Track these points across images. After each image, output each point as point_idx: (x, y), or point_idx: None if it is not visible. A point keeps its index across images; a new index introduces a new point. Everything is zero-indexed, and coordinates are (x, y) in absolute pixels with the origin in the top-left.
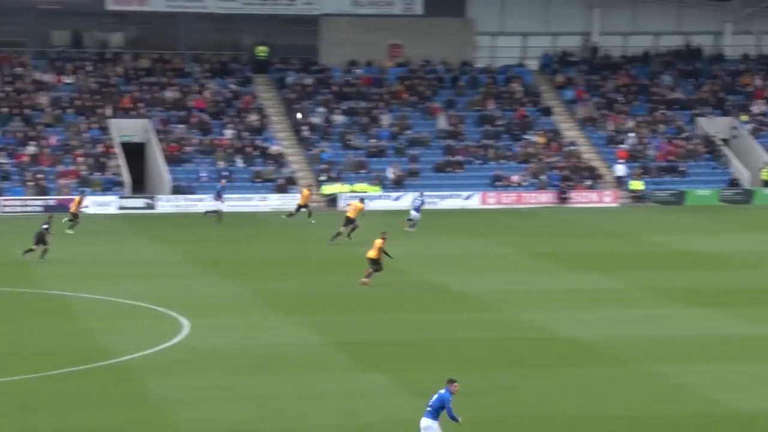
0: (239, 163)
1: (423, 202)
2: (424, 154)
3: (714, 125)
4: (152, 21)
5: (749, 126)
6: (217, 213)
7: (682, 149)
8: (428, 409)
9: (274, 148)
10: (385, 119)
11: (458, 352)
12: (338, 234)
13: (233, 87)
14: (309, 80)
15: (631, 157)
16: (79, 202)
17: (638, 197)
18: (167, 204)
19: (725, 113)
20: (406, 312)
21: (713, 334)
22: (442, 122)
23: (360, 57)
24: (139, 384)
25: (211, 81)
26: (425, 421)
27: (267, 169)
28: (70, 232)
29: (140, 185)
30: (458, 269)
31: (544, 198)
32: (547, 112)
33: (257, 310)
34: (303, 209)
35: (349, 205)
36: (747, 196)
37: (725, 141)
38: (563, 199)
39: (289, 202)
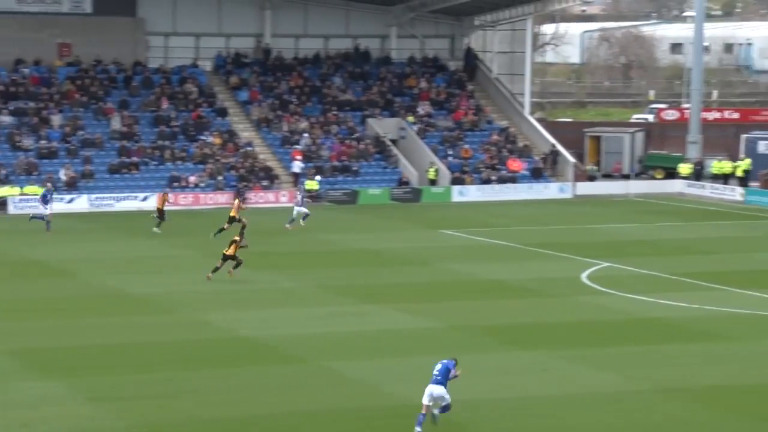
0: None
1: (303, 196)
2: (97, 155)
3: (383, 126)
4: None
5: (416, 127)
6: (40, 218)
7: (354, 149)
8: (437, 377)
9: None
10: (56, 120)
11: (137, 356)
12: (221, 230)
13: None
14: None
15: (306, 158)
16: None
17: (313, 197)
18: None
19: (393, 114)
20: (82, 317)
21: (386, 329)
22: (116, 123)
23: (27, 56)
24: None
25: None
26: (439, 389)
27: None
28: None
29: None
30: (136, 272)
31: (222, 199)
32: (222, 113)
33: None
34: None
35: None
36: (415, 194)
37: (394, 141)
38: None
39: None
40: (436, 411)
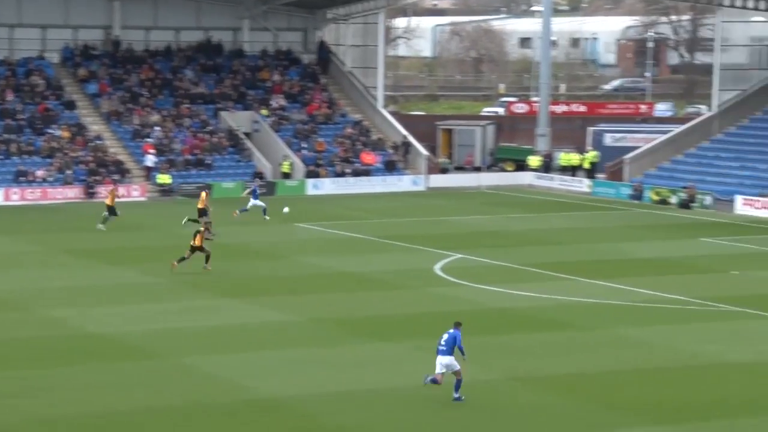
0: None
1: (256, 189)
2: None
3: (236, 119)
4: None
5: (270, 120)
6: None
7: (207, 143)
8: (443, 348)
9: None
10: None
11: None
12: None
13: None
14: None
15: (158, 151)
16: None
17: (166, 191)
18: None
19: (247, 107)
20: None
21: (243, 323)
22: None
23: None
24: None
25: None
26: (446, 359)
27: None
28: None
29: None
30: None
31: (71, 193)
32: (70, 105)
33: None
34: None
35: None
36: (270, 188)
37: (248, 135)
38: (91, 194)
39: None
40: (455, 395)
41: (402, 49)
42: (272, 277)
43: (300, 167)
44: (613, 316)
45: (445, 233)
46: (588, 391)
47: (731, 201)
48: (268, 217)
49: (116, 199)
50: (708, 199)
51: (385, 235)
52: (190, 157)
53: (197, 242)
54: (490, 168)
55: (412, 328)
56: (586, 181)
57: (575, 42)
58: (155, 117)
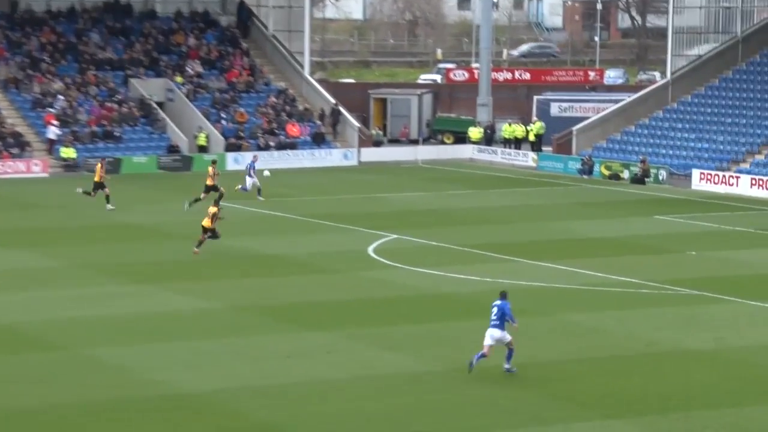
0: None
1: (252, 166)
2: None
3: (148, 87)
4: None
5: (185, 88)
6: None
7: (116, 113)
8: (495, 321)
9: None
10: None
11: None
12: (196, 200)
13: None
14: None
15: (61, 123)
16: None
17: (70, 166)
18: None
19: (159, 74)
20: None
21: (157, 311)
22: None
23: None
24: None
25: None
26: (498, 332)
27: None
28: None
29: None
30: None
31: None
32: None
33: None
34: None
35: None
36: (186, 162)
37: (161, 104)
38: None
39: None
40: (506, 365)
41: (330, 11)
42: (188, 261)
43: (219, 140)
44: (563, 300)
45: (379, 212)
46: (537, 383)
47: (687, 176)
48: (262, 198)
49: (103, 175)
50: (663, 174)
51: (313, 213)
52: (96, 128)
53: (208, 223)
54: (427, 140)
55: (342, 316)
56: (532, 155)
57: (518, 3)
58: (58, 85)
